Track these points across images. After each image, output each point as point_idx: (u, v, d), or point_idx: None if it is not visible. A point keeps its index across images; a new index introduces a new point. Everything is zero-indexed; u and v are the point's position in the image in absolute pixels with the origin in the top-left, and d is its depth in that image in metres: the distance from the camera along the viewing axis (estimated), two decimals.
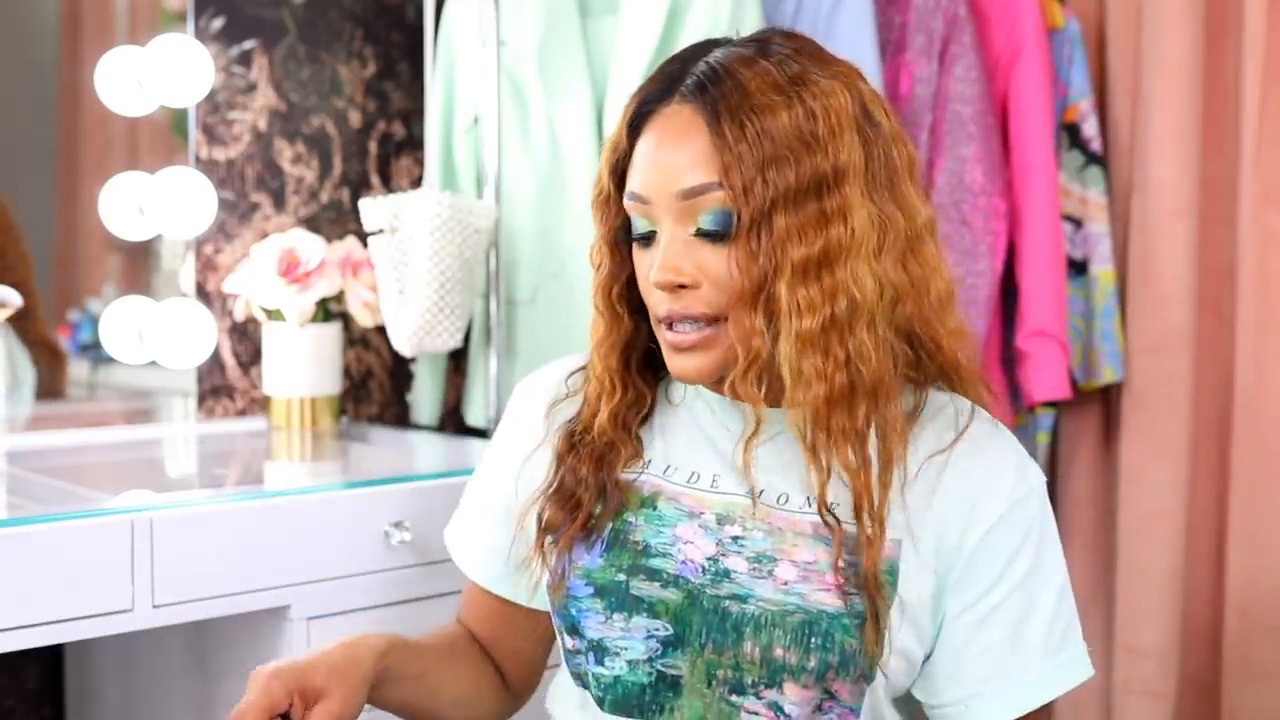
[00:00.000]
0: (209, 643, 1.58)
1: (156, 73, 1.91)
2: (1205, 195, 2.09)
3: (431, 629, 1.24)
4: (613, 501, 1.09)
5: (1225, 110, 2.09)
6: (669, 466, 1.11)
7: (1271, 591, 2.02)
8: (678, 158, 1.02)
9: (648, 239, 1.05)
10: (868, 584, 1.00)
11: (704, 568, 1.05)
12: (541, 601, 1.17)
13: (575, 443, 1.13)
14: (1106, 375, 2.12)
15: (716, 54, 1.04)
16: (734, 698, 1.02)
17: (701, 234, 1.02)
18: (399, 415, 2.21)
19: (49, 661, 1.91)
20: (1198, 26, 2.04)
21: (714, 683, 1.03)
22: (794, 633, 1.00)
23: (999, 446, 1.05)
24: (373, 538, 1.51)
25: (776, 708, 1.01)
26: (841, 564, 1.02)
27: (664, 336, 1.05)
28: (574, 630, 1.08)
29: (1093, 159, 2.14)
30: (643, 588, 1.05)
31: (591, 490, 1.10)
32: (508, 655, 1.23)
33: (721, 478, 1.09)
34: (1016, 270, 2.07)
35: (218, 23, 2.02)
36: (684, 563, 1.05)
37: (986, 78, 2.05)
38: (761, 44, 1.04)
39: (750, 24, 1.88)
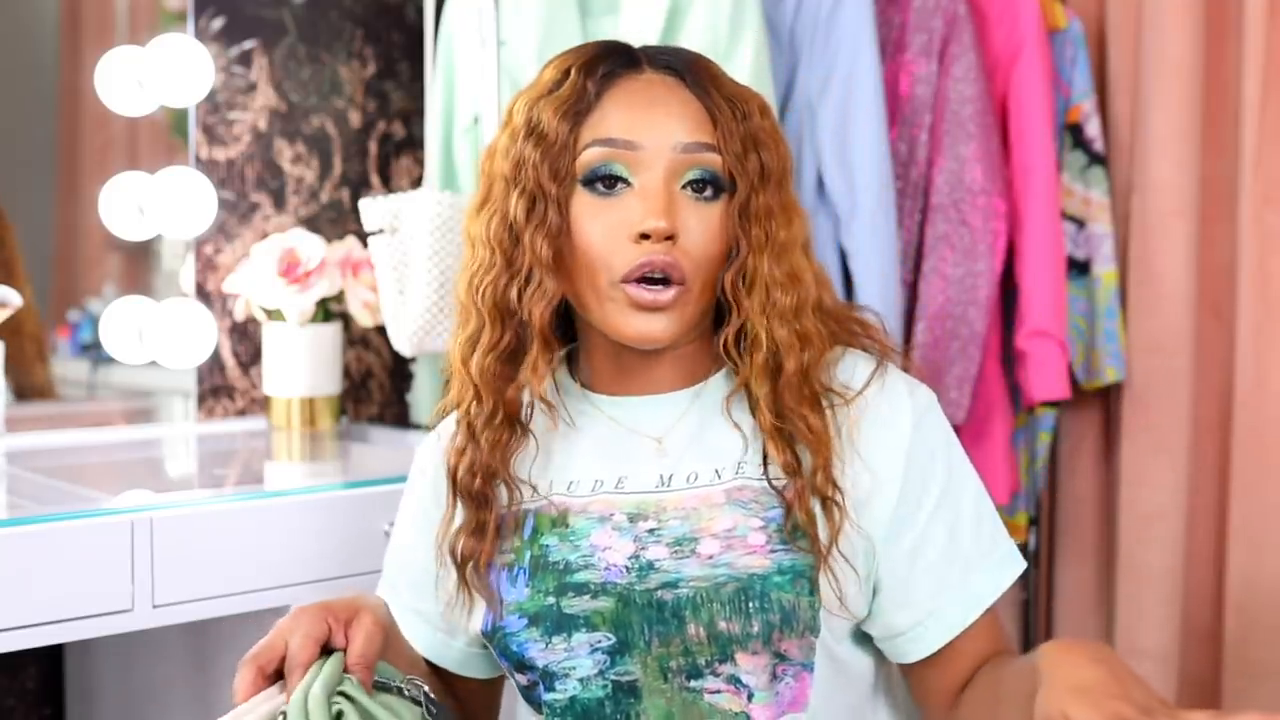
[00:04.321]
0: (209, 643, 1.58)
1: (156, 73, 1.91)
2: (1205, 195, 2.08)
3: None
4: (524, 530, 1.07)
5: (1225, 110, 2.09)
6: (571, 482, 1.09)
7: (1271, 592, 2.02)
8: (675, 113, 1.04)
9: (610, 186, 1.03)
10: (811, 529, 1.02)
11: (627, 568, 1.04)
12: (473, 668, 1.15)
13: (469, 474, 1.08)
14: (1109, 375, 2.12)
15: (658, 46, 1.10)
16: (693, 683, 1.02)
17: (693, 188, 1.03)
18: (399, 415, 2.21)
19: (49, 661, 1.91)
20: (1198, 26, 2.04)
21: (669, 675, 1.02)
22: (731, 602, 1.00)
23: (891, 382, 1.08)
24: (373, 538, 1.51)
25: (735, 680, 1.02)
26: (762, 522, 1.03)
27: (626, 294, 1.02)
28: (521, 666, 1.06)
29: (1095, 159, 2.14)
30: (574, 605, 1.04)
31: (491, 501, 1.07)
32: None
33: (628, 479, 1.08)
34: (1016, 270, 2.07)
35: (218, 23, 2.02)
36: (607, 569, 1.04)
37: (986, 78, 2.04)
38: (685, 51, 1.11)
39: (750, 24, 1.87)
